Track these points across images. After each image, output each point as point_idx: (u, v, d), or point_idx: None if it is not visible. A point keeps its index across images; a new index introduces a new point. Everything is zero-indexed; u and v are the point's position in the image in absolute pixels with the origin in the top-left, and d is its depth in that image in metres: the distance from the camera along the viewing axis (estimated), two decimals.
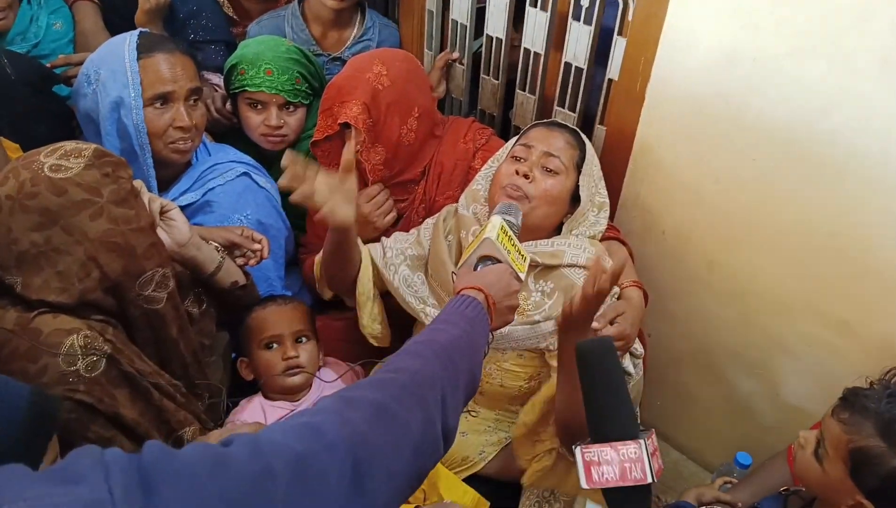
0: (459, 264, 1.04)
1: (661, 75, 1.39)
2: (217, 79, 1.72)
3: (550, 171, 1.28)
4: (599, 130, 1.58)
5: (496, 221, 1.02)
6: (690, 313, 1.57)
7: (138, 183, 1.19)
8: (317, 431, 0.61)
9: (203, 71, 1.72)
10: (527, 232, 1.30)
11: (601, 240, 1.39)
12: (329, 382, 1.44)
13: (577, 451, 0.79)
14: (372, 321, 1.42)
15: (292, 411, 1.39)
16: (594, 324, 1.20)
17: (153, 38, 1.39)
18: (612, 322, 1.21)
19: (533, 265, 1.28)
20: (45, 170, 1.03)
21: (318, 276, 1.47)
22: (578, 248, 1.29)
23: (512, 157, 1.33)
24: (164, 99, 1.35)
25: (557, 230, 1.34)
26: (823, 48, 1.16)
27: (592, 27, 1.49)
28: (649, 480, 0.75)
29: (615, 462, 0.76)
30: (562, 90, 1.61)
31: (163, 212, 1.22)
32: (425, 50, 1.90)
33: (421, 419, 0.71)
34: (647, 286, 1.37)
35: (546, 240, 1.31)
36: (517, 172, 1.28)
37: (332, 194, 1.14)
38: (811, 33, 1.17)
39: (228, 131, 1.71)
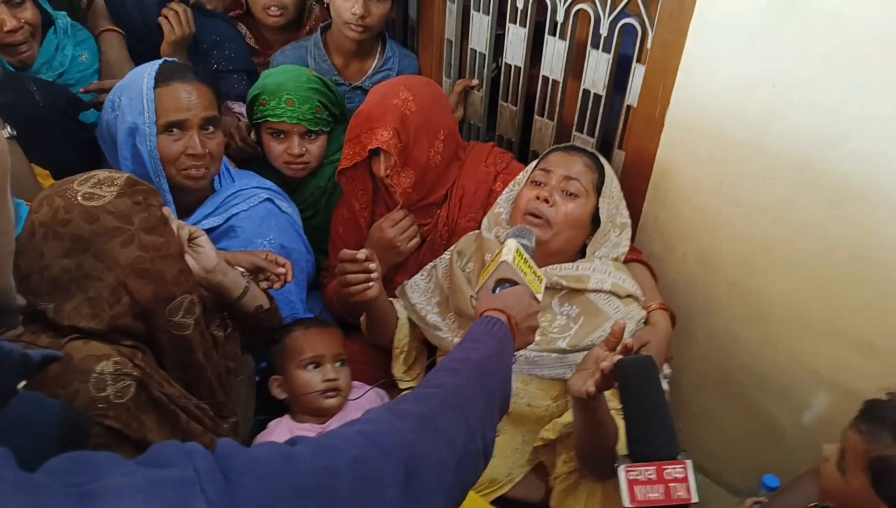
0: (477, 289, 1.05)
1: (681, 101, 1.41)
2: (240, 108, 1.75)
3: (571, 194, 1.30)
4: (619, 155, 1.60)
5: (511, 244, 1.04)
6: (712, 335, 1.57)
7: (167, 210, 1.21)
8: (371, 438, 0.64)
9: (226, 100, 1.76)
10: (550, 256, 1.32)
11: (624, 262, 1.40)
12: (353, 399, 1.45)
13: (621, 470, 0.80)
14: (404, 367, 1.50)
15: (320, 433, 1.39)
16: (628, 341, 1.20)
17: (174, 67, 1.42)
18: (637, 351, 1.21)
19: (557, 289, 1.28)
20: (79, 198, 1.05)
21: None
22: (603, 272, 1.29)
23: (532, 181, 1.35)
24: (178, 126, 1.37)
25: (581, 253, 1.35)
26: (843, 74, 1.18)
27: (611, 55, 1.52)
28: (694, 500, 0.75)
29: (660, 481, 0.76)
30: (580, 116, 1.63)
31: (191, 239, 1.23)
32: (444, 78, 1.94)
33: (463, 433, 0.73)
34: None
35: (570, 264, 1.32)
36: (538, 197, 1.30)
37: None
38: (831, 59, 1.19)
39: (252, 158, 1.73)
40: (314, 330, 1.48)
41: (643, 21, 1.43)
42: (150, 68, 1.40)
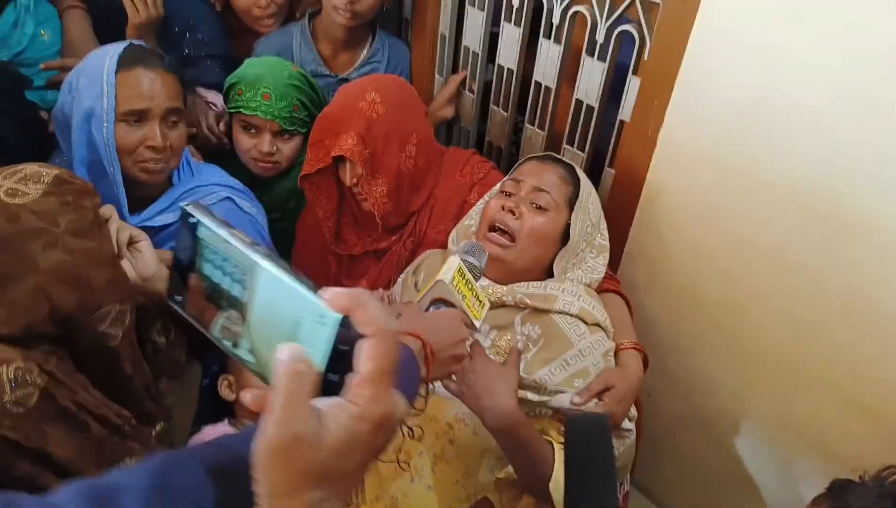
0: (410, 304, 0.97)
1: (676, 119, 1.29)
2: (213, 97, 1.66)
3: (540, 207, 1.20)
4: (608, 173, 1.48)
5: (453, 262, 0.94)
6: (693, 374, 1.45)
7: (108, 209, 1.13)
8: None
9: (196, 87, 1.67)
10: (516, 274, 1.22)
11: (599, 291, 1.29)
12: None
13: None
14: None
15: None
16: (575, 398, 1.10)
17: (140, 51, 1.33)
18: (599, 397, 1.11)
19: (521, 307, 1.19)
20: (1, 194, 0.97)
21: None
22: (572, 295, 1.19)
23: (502, 191, 1.25)
24: (139, 116, 1.29)
25: (550, 273, 1.25)
26: (852, 101, 1.05)
27: (606, 64, 1.40)
28: None
29: None
30: (571, 127, 1.52)
31: (131, 242, 1.16)
32: (436, 76, 1.82)
33: None
34: (649, 342, 1.27)
35: (539, 282, 1.21)
36: (504, 208, 1.20)
37: None
38: (841, 83, 1.06)
39: (221, 151, 1.65)
40: None
41: (642, 29, 1.30)
42: (112, 50, 1.31)
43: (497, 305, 1.18)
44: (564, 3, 1.42)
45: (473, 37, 1.68)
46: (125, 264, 1.13)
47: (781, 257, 1.22)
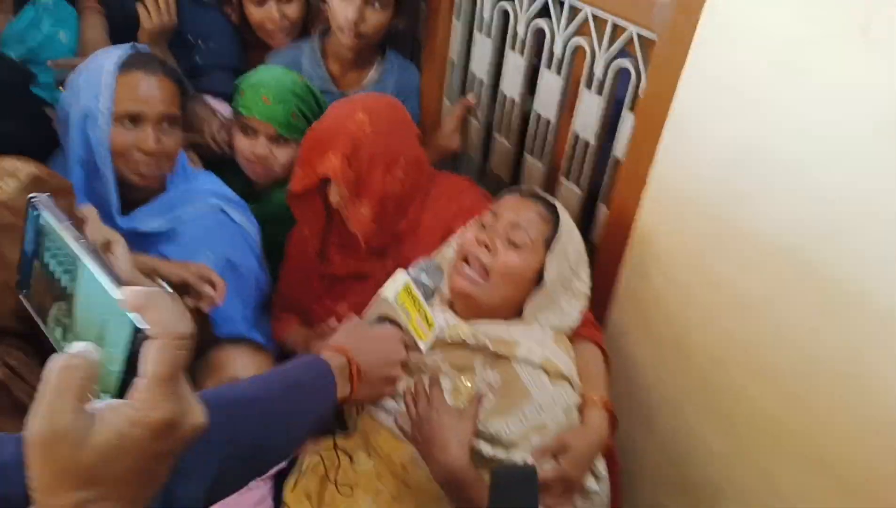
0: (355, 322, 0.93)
1: (666, 162, 1.23)
2: (220, 105, 1.68)
3: (514, 244, 1.15)
4: (602, 211, 1.42)
5: (400, 279, 0.90)
6: (676, 433, 1.36)
7: (88, 210, 1.14)
8: None
9: (205, 95, 1.70)
10: (484, 311, 1.17)
11: (574, 337, 1.22)
12: None
13: None
14: None
15: None
16: (528, 460, 1.04)
17: (142, 56, 1.35)
18: (555, 457, 1.04)
19: (482, 349, 1.13)
20: None
21: None
22: (537, 342, 1.13)
23: (480, 223, 1.21)
24: (134, 119, 1.31)
25: (520, 311, 1.19)
26: (846, 156, 0.97)
27: (604, 98, 1.35)
28: None
29: None
30: (568, 161, 1.47)
31: (107, 245, 1.16)
32: (444, 101, 1.81)
33: None
34: (638, 397, 1.19)
35: (504, 323, 1.16)
36: (477, 241, 1.15)
37: None
38: (834, 137, 0.98)
39: (222, 160, 1.66)
40: (244, 351, 1.38)
41: (638, 65, 1.25)
42: (115, 52, 1.35)
43: (459, 345, 1.14)
44: (566, 34, 1.39)
45: (481, 64, 1.66)
46: None
47: (769, 314, 1.13)
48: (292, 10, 1.74)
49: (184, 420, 0.44)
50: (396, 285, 0.90)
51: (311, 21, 1.83)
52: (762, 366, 1.17)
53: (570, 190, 1.48)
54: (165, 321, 0.42)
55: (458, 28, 1.68)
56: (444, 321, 1.14)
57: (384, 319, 0.90)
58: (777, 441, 1.18)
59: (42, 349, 1.08)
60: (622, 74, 1.31)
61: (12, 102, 1.41)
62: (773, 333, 1.14)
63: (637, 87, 1.26)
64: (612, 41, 1.29)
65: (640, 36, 1.23)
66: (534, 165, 1.58)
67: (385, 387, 0.86)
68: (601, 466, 1.17)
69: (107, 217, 1.33)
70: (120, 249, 1.18)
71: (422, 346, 0.91)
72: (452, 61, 1.73)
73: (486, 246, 1.15)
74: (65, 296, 0.50)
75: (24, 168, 1.05)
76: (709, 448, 1.31)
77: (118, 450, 0.41)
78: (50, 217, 0.51)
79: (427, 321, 0.92)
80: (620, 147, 1.32)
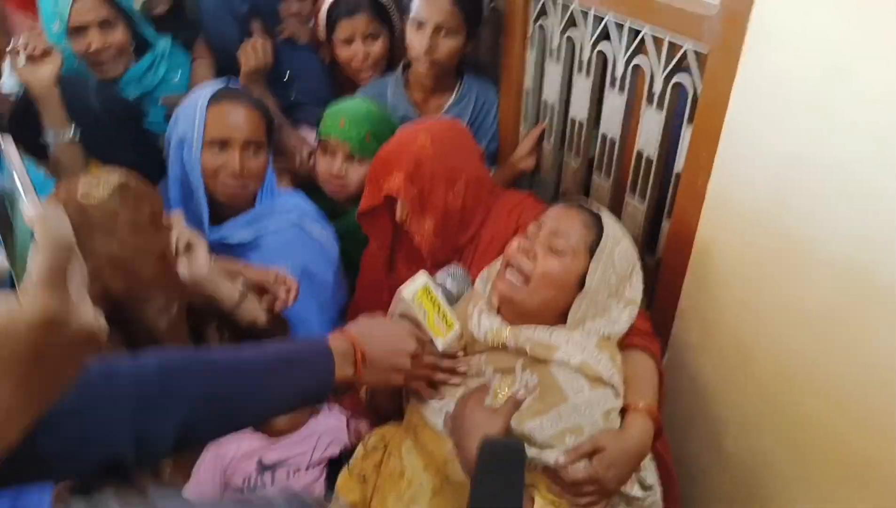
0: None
1: (722, 174, 1.22)
2: (310, 134, 1.85)
3: (555, 251, 1.17)
4: (666, 226, 1.42)
5: (419, 279, 0.96)
6: (741, 451, 1.30)
7: (175, 216, 1.31)
8: None
9: (303, 126, 1.88)
10: (528, 316, 1.20)
11: (626, 346, 1.22)
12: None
13: None
14: None
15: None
16: (561, 459, 1.05)
17: (231, 90, 1.54)
18: (589, 458, 1.04)
19: (523, 352, 1.16)
20: (77, 194, 1.17)
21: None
22: (578, 347, 1.13)
23: (524, 233, 1.25)
24: (222, 144, 1.48)
25: (565, 317, 1.21)
26: None
27: (664, 114, 1.36)
28: None
29: None
30: (633, 178, 1.48)
31: (189, 246, 1.31)
32: (521, 129, 1.87)
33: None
34: (703, 415, 1.16)
35: (546, 328, 1.18)
36: (519, 249, 1.19)
37: None
38: (887, 143, 0.94)
39: (312, 182, 1.82)
40: None
41: (693, 79, 1.26)
42: (209, 87, 1.55)
43: (501, 348, 1.17)
44: (627, 55, 1.42)
45: (552, 90, 1.72)
46: (180, 264, 1.28)
47: (829, 330, 1.08)
48: (376, 49, 1.90)
49: (68, 319, 0.48)
50: (415, 285, 0.96)
51: (396, 59, 1.97)
52: (828, 385, 1.11)
53: (636, 206, 1.48)
54: (51, 232, 0.47)
55: (531, 57, 1.75)
56: (488, 325, 1.18)
57: (404, 317, 0.95)
58: (846, 465, 1.11)
59: (125, 333, 1.23)
60: (681, 90, 1.32)
61: (127, 135, 1.64)
62: (835, 350, 1.08)
63: (694, 100, 1.27)
64: (669, 58, 1.31)
65: (694, 51, 1.24)
66: (601, 184, 1.60)
67: (392, 375, 0.91)
68: (650, 475, 1.15)
69: (199, 228, 1.50)
70: (200, 248, 1.33)
71: (438, 344, 0.95)
72: (528, 90, 1.80)
73: (527, 253, 1.19)
74: (10, 225, 0.57)
75: (114, 177, 1.22)
76: (775, 472, 1.24)
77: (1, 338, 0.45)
78: (13, 153, 0.57)
79: (446, 322, 0.96)
80: (681, 161, 1.32)
